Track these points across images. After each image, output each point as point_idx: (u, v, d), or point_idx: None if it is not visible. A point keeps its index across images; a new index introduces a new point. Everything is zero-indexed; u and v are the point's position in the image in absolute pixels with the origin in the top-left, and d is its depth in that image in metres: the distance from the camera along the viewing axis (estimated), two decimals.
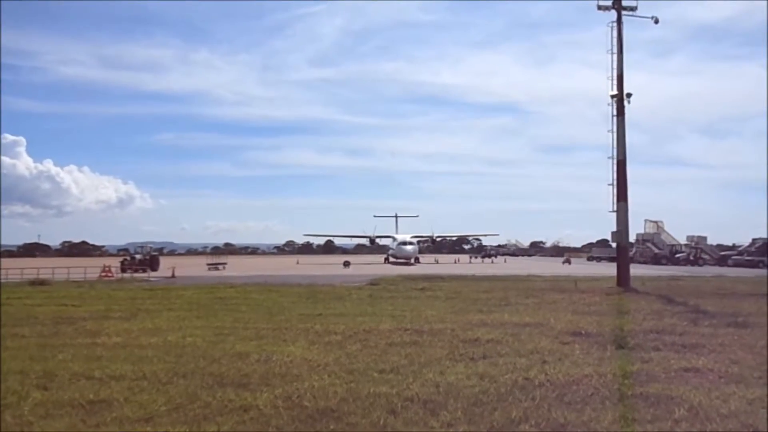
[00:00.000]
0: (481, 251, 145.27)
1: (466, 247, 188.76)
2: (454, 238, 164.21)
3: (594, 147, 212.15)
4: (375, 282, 29.02)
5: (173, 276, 36.96)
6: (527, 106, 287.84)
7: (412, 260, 67.47)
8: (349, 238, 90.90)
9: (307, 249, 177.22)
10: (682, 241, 71.21)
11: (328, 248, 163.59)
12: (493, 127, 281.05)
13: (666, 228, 74.57)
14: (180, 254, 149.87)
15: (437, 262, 69.86)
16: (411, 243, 68.39)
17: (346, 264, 55.31)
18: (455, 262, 70.99)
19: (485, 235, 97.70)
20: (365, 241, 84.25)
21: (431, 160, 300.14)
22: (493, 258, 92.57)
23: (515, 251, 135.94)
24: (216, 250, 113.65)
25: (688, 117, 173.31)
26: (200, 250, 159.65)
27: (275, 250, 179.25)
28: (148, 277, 36.24)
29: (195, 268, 52.05)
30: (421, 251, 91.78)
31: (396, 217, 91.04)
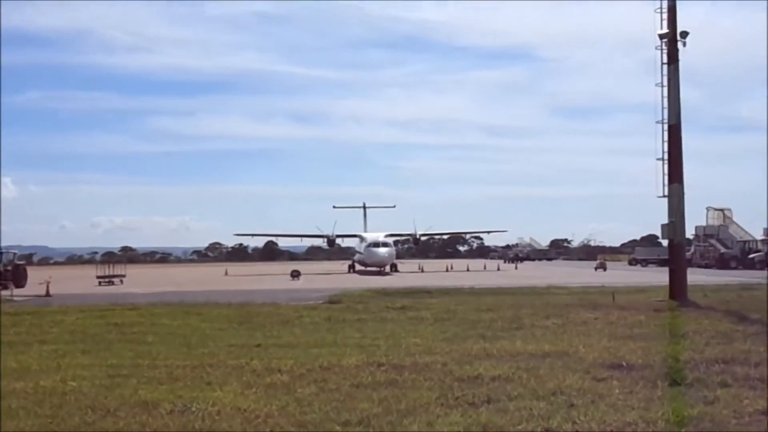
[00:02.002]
0: (499, 252, 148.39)
1: (463, 248, 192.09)
2: (446, 237, 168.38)
3: (634, 108, 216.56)
4: (335, 299, 29.58)
5: (48, 294, 37.14)
6: (542, 52, 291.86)
7: (387, 268, 69.04)
8: (298, 239, 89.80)
9: (239, 254, 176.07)
10: (758, 235, 72.49)
11: (270, 253, 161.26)
12: (495, 83, 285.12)
13: (736, 219, 76.35)
14: (58, 263, 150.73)
15: (421, 270, 71.29)
16: (385, 244, 69.92)
17: (295, 274, 56.27)
18: (467, 270, 72.80)
19: (488, 233, 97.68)
20: (321, 243, 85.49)
21: (410, 129, 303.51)
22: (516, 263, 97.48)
23: (530, 253, 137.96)
24: (109, 257, 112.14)
25: (764, 66, 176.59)
26: (87, 257, 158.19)
27: (194, 257, 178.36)
28: (11, 296, 36.00)
29: (80, 282, 51.99)
30: (399, 255, 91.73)
31: (364, 207, 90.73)
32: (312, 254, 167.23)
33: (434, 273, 68.95)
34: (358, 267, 76.45)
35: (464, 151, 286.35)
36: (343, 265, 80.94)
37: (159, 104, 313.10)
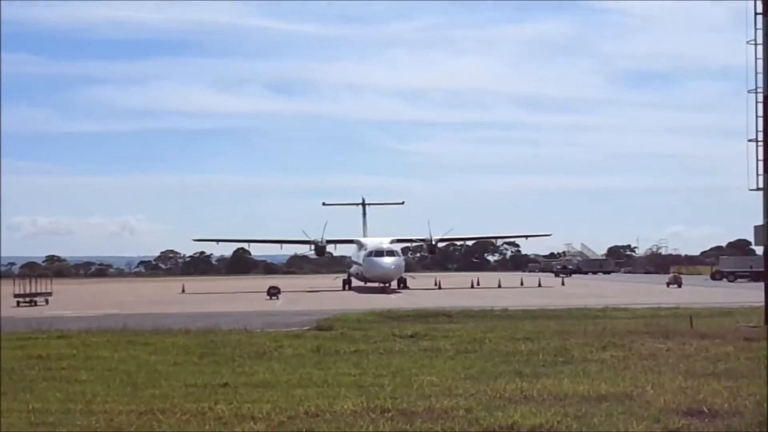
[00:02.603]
0: (540, 264, 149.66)
1: (493, 258, 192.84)
2: (470, 244, 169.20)
3: (719, 73, 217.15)
4: (326, 324, 30.04)
5: None
6: (597, 1, 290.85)
7: (394, 284, 71.10)
8: (277, 246, 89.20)
9: (200, 266, 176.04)
10: None
11: (240, 264, 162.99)
12: (534, 40, 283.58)
13: None
14: None
15: (438, 287, 72.87)
16: (391, 253, 70.92)
17: (273, 292, 57.09)
18: (498, 286, 73.93)
19: (526, 238, 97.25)
20: (308, 251, 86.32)
21: (422, 102, 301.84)
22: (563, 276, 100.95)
23: (581, 264, 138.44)
24: (31, 270, 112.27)
25: None
26: (2, 269, 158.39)
27: (141, 269, 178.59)
28: None
29: None
30: (409, 267, 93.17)
31: (363, 205, 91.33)
32: (295, 266, 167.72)
33: (455, 290, 69.37)
34: (355, 282, 77.50)
35: (493, 131, 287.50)
36: (336, 279, 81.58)
37: (96, 70, 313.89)
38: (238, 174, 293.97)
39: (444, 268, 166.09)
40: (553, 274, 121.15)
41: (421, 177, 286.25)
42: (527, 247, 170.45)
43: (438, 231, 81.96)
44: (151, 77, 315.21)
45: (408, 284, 74.64)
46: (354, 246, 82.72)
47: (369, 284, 73.50)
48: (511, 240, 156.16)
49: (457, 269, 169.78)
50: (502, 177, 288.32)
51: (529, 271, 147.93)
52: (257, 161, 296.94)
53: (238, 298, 59.93)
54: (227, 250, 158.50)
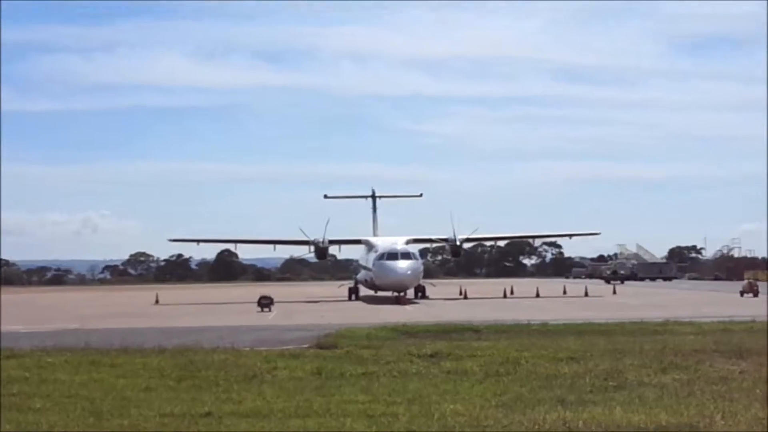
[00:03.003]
0: (587, 268, 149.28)
1: (530, 262, 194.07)
2: (502, 245, 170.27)
3: None
4: (328, 341, 30.39)
5: None
6: None
7: (410, 292, 72.09)
8: (269, 247, 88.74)
9: (178, 271, 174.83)
10: None
11: (225, 269, 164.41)
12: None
13: None
14: None
15: (464, 297, 74.12)
16: (407, 255, 71.62)
17: (265, 303, 57.77)
18: (536, 296, 75.19)
19: (569, 237, 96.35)
20: (306, 253, 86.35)
21: (441, 73, 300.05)
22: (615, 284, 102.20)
23: (636, 269, 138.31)
24: None
25: None
26: None
27: (106, 275, 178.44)
28: None
29: None
30: (429, 273, 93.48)
31: (373, 197, 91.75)
32: (291, 271, 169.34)
33: (484, 300, 70.21)
34: (363, 291, 78.55)
35: (527, 107, 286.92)
36: (341, 287, 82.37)
37: (50, 35, 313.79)
38: (223, 161, 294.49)
39: (471, 274, 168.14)
40: (602, 281, 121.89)
41: (442, 164, 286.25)
42: (571, 249, 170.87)
43: (463, 229, 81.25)
44: (119, 44, 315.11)
45: (427, 293, 75.22)
46: (362, 247, 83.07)
47: (380, 293, 74.22)
48: (552, 240, 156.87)
49: (487, 275, 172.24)
50: (539, 164, 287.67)
51: (574, 278, 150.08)
52: (245, 146, 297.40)
53: (222, 309, 60.60)
54: (210, 253, 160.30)
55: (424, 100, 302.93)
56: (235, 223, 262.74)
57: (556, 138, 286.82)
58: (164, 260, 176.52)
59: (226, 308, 61.57)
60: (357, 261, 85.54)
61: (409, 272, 69.71)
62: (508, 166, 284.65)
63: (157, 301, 72.48)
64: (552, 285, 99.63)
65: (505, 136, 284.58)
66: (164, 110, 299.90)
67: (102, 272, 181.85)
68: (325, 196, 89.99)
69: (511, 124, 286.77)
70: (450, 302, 66.72)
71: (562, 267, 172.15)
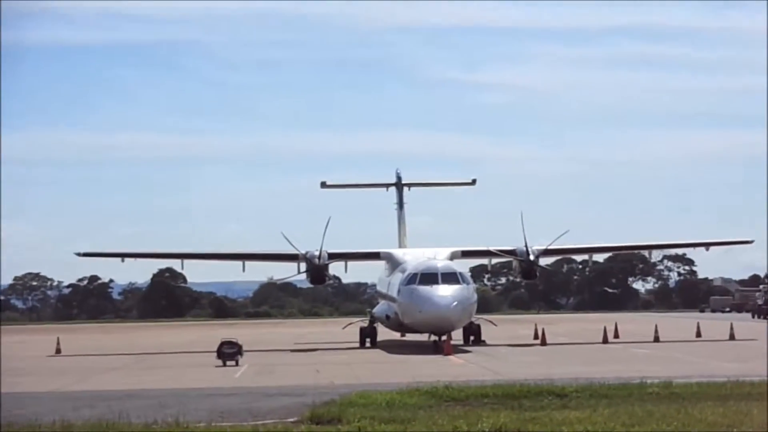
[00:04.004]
0: (735, 297, 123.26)
1: (643, 287, 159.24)
2: (600, 260, 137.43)
3: None
4: (328, 412, 26.76)
5: None
6: None
7: (455, 335, 61.59)
8: (236, 265, 73.84)
9: (91, 302, 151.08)
10: None
11: (167, 298, 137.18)
12: None
13: None
14: None
15: (542, 342, 63.92)
16: (451, 277, 60.89)
17: (229, 352, 50.98)
18: (654, 339, 66.15)
19: (706, 247, 76.49)
20: (292, 273, 72.05)
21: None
22: None
23: None
24: None
25: None
26: None
27: None
28: None
29: None
30: (486, 304, 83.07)
31: (398, 187, 77.10)
32: (270, 302, 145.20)
33: (572, 346, 62.45)
34: (383, 333, 67.89)
35: (647, 44, 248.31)
36: (349, 327, 70.99)
37: None
38: (162, 130, 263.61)
39: (551, 306, 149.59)
40: (756, 315, 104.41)
41: (507, 134, 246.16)
42: (708, 265, 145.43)
43: (540, 236, 68.64)
44: None
45: (483, 336, 64.52)
46: (381, 264, 70.83)
47: (410, 336, 64.96)
48: (679, 252, 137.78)
49: (577, 307, 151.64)
50: (660, 133, 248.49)
51: (713, 310, 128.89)
52: (197, 106, 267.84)
53: (162, 362, 54.49)
54: (142, 274, 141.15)
55: (477, 35, 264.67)
56: (182, 227, 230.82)
57: (691, 93, 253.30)
58: (69, 286, 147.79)
59: (169, 360, 55.12)
60: (373, 287, 78.43)
61: (454, 304, 57.87)
62: (613, 136, 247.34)
63: (58, 351, 62.67)
64: (679, 322, 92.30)
65: (609, 91, 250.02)
66: (68, 48, 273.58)
67: None
68: (324, 185, 75.33)
69: (619, 72, 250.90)
70: (519, 350, 58.44)
71: (694, 294, 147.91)
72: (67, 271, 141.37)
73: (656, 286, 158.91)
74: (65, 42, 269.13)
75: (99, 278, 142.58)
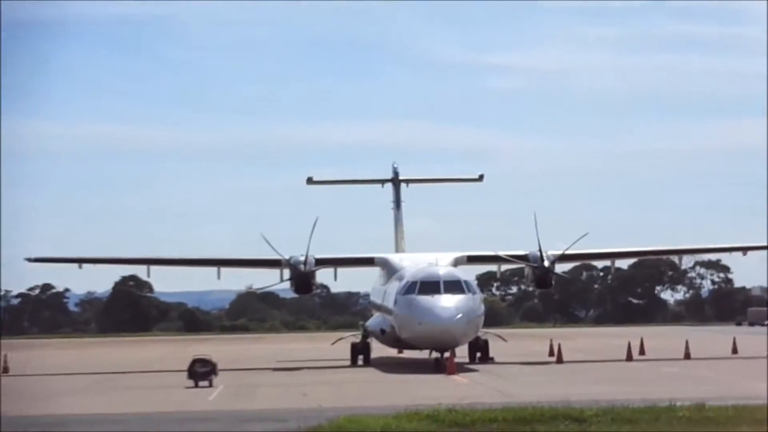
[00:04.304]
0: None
1: (673, 297, 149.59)
2: (623, 267, 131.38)
3: None
4: None
5: None
6: None
7: (460, 351, 59.66)
8: (211, 271, 70.24)
9: (44, 314, 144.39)
10: None
11: (132, 310, 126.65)
12: None
13: None
14: None
15: (558, 359, 61.60)
16: (454, 285, 58.58)
17: (202, 371, 48.54)
18: (684, 356, 64.59)
19: (743, 252, 71.45)
20: (274, 281, 68.53)
21: None
22: None
23: None
24: None
25: None
26: None
27: None
28: None
29: None
30: (495, 317, 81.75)
31: (395, 183, 74.53)
32: (249, 314, 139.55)
33: (592, 365, 59.88)
34: (379, 349, 66.69)
35: (667, 22, 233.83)
36: (339, 343, 69.07)
37: None
38: (123, 120, 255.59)
39: (569, 318, 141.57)
40: None
41: (517, 123, 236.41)
42: (746, 273, 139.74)
43: (555, 239, 67.85)
44: None
45: (491, 353, 62.16)
46: (375, 271, 68.87)
47: (408, 353, 64.24)
48: (713, 258, 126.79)
49: (597, 320, 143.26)
50: (688, 120, 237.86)
51: (750, 323, 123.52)
52: (163, 92, 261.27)
53: (126, 382, 52.21)
54: (102, 282, 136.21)
55: (490, 9, 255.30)
56: (148, 229, 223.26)
57: (730, 76, 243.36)
58: (18, 296, 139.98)
59: (133, 380, 52.66)
60: (366, 296, 77.78)
61: (458, 316, 55.62)
62: (640, 125, 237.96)
63: (5, 370, 60.50)
64: (713, 337, 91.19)
65: (638, 74, 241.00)
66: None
67: None
68: (310, 181, 72.43)
69: (651, 53, 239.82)
70: (532, 368, 56.12)
71: (730, 305, 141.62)
72: (15, 279, 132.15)
73: (687, 296, 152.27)
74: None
75: (53, 287, 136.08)
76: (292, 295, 78.79)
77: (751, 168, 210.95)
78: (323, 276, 68.26)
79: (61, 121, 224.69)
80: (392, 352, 67.17)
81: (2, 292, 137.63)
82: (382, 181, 74.23)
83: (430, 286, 56.96)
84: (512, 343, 70.03)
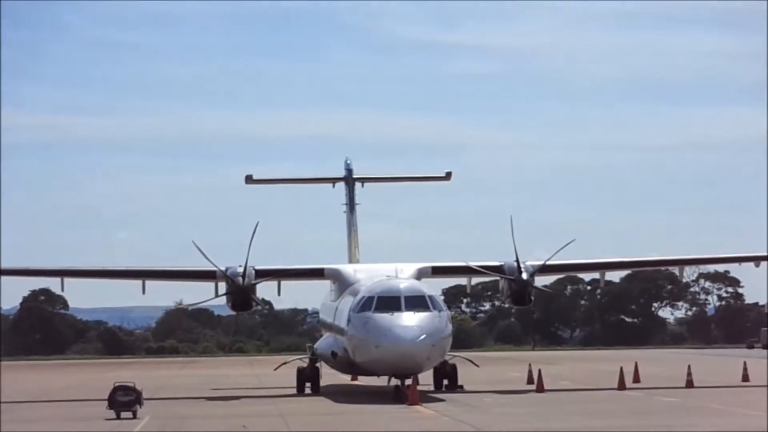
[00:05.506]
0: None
1: (673, 314, 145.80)
2: (615, 280, 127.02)
3: None
4: None
5: None
6: None
7: (423, 377, 57.26)
8: (135, 285, 66.19)
9: None
10: None
11: (43, 329, 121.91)
12: None
13: None
14: None
15: (538, 387, 58.58)
16: (417, 301, 55.83)
17: (124, 400, 46.39)
18: (686, 384, 59.80)
19: (756, 263, 65.84)
20: (208, 296, 64.50)
21: None
22: None
23: None
24: None
25: None
26: None
27: None
28: None
29: None
30: (464, 339, 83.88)
31: (348, 182, 71.18)
32: (179, 335, 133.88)
33: (578, 393, 57.18)
34: (330, 375, 63.76)
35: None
36: (282, 368, 65.39)
37: None
38: (33, 107, 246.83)
39: (551, 339, 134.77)
40: None
41: (492, 112, 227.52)
42: (758, 287, 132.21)
43: (534, 248, 68.92)
44: None
45: (460, 380, 58.75)
46: (326, 285, 64.91)
47: (363, 379, 61.68)
48: (718, 270, 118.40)
49: (585, 342, 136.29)
50: (688, 110, 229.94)
51: (763, 345, 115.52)
52: (79, 75, 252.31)
53: (36, 413, 49.18)
54: (9, 298, 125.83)
55: None
56: (62, 235, 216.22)
57: (733, 59, 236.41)
58: None
59: (45, 411, 49.57)
60: (315, 314, 77.46)
61: (422, 337, 52.66)
62: (632, 115, 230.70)
63: None
64: (720, 361, 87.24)
65: (628, 56, 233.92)
66: None
67: None
68: (249, 180, 68.30)
69: (642, 32, 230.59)
70: (508, 398, 52.71)
71: (740, 324, 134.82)
72: None
73: (690, 314, 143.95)
74: None
75: None
76: (228, 312, 75.48)
77: (762, 165, 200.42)
78: (265, 290, 64.88)
79: None
80: (345, 378, 64.32)
81: None
82: (333, 180, 70.50)
83: (389, 302, 53.76)
84: (484, 369, 67.71)
